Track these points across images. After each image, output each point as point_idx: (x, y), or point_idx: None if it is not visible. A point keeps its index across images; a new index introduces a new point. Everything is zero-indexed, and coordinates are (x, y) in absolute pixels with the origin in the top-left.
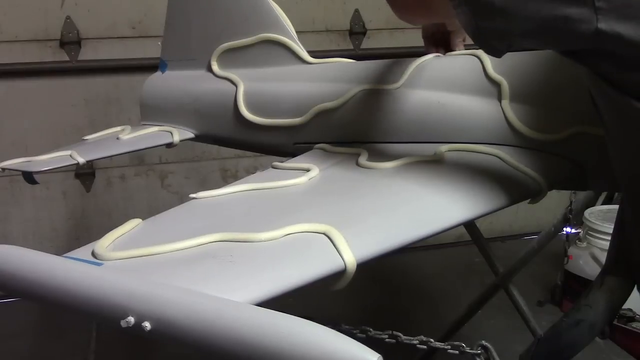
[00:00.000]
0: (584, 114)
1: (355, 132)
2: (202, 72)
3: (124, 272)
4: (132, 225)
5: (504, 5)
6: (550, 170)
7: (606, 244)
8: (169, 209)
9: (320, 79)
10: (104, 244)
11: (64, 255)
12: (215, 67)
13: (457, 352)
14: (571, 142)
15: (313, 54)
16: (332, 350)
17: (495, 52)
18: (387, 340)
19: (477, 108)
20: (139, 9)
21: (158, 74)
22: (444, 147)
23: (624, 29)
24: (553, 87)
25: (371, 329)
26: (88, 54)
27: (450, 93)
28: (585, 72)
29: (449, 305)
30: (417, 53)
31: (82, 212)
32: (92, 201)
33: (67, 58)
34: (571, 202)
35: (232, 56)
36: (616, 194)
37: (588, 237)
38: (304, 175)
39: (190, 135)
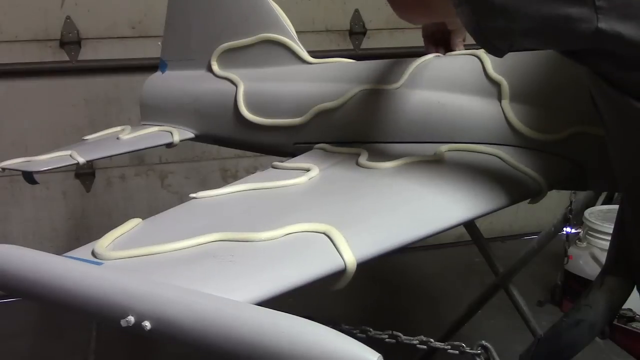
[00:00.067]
0: (584, 114)
1: (355, 132)
2: (202, 72)
3: (124, 272)
4: (132, 224)
5: (504, 3)
6: (551, 170)
7: (606, 244)
8: (169, 208)
9: (320, 79)
10: (104, 243)
11: (64, 254)
12: (215, 67)
13: (457, 352)
14: (571, 142)
15: (313, 54)
16: (332, 350)
17: (496, 52)
18: (387, 340)
19: (477, 108)
20: (139, 9)
21: (158, 74)
22: (444, 147)
23: (624, 28)
24: (553, 87)
25: (371, 329)
26: (88, 54)
27: (451, 93)
28: (585, 72)
29: (449, 305)
30: (417, 53)
31: (82, 212)
32: (92, 201)
33: (67, 58)
34: (571, 202)
35: (232, 56)
36: (616, 194)
37: (588, 237)
38: (304, 175)
39: (190, 135)
